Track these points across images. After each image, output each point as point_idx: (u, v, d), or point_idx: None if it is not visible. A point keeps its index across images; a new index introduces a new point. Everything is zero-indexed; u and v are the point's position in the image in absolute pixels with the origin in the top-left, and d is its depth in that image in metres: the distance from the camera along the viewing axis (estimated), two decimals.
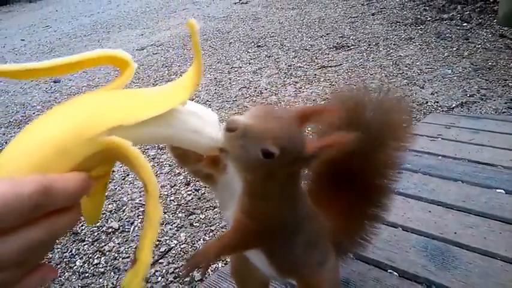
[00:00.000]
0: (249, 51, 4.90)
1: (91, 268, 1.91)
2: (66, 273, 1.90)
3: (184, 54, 5.04)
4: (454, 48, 4.17)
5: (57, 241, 2.11)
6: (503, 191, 1.59)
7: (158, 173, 2.67)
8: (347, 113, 0.92)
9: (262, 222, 0.72)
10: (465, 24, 4.74)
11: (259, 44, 5.12)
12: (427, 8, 5.49)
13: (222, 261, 1.79)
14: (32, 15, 9.67)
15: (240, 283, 1.02)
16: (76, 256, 2.00)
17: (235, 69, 4.38)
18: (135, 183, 2.58)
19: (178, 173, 2.63)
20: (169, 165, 2.73)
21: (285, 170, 0.68)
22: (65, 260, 1.98)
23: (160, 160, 2.82)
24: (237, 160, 0.66)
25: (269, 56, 4.64)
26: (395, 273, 1.23)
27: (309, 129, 0.73)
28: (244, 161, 0.66)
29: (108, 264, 1.91)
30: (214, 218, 2.12)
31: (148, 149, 2.98)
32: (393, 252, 1.30)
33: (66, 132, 0.42)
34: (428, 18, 5.12)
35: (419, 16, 5.25)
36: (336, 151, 0.68)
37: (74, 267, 1.93)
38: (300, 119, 0.68)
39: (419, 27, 4.88)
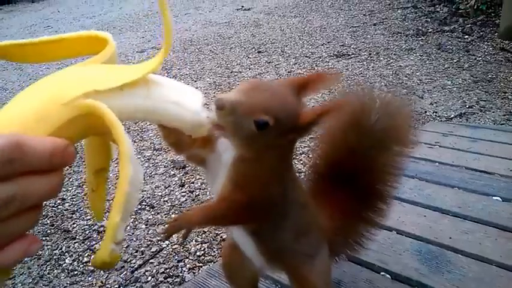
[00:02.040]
0: (250, 56, 4.91)
1: (80, 266, 1.88)
2: (55, 271, 1.87)
3: (185, 57, 5.04)
4: (455, 60, 4.19)
5: (47, 238, 2.09)
6: (500, 199, 1.58)
7: (153, 174, 2.65)
8: (352, 115, 0.93)
9: (249, 194, 0.70)
10: (466, 36, 4.76)
11: (260, 49, 5.13)
12: (429, 19, 5.52)
13: (213, 261, 1.77)
14: (33, 15, 9.69)
15: (229, 276, 1.00)
16: (66, 254, 1.98)
17: (235, 73, 4.38)
18: None
19: (173, 174, 2.61)
20: (165, 167, 2.71)
21: (282, 139, 0.68)
22: (54, 257, 1.96)
23: (156, 161, 2.80)
24: (233, 136, 0.67)
25: (269, 62, 4.64)
26: (388, 276, 1.21)
27: (307, 99, 0.74)
28: (240, 137, 0.66)
29: None
30: None
31: (144, 149, 2.96)
32: (386, 255, 1.28)
33: (44, 100, 0.44)
34: (430, 30, 5.14)
35: (420, 27, 5.27)
36: (331, 118, 0.69)
37: (64, 265, 1.90)
38: (296, 90, 0.68)
39: (420, 38, 4.90)
